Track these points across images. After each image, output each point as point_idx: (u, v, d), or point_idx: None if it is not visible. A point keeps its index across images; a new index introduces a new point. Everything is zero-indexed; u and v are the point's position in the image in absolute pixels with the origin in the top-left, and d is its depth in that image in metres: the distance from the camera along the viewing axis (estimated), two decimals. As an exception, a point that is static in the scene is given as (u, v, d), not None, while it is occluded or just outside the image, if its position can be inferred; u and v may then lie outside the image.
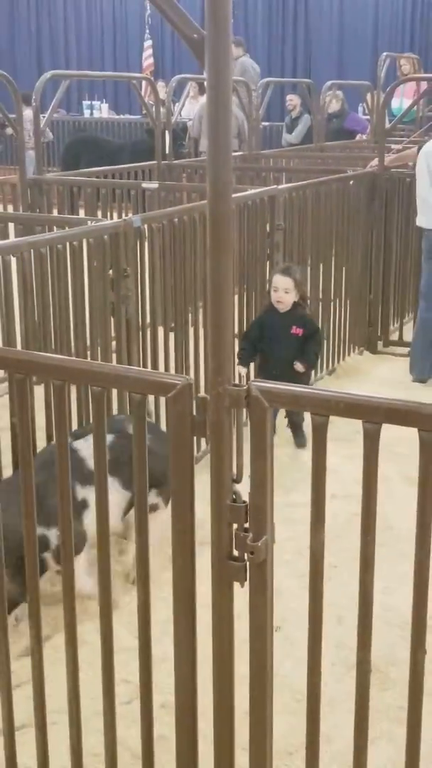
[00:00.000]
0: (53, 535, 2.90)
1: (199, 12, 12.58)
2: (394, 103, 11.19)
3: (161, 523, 3.08)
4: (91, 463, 2.59)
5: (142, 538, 2.09)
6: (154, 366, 4.54)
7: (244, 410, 1.88)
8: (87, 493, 3.13)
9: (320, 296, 5.91)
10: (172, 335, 4.67)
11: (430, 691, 2.08)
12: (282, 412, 4.83)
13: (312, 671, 1.94)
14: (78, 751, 2.27)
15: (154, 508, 3.16)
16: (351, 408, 1.81)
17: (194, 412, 1.95)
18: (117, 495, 3.12)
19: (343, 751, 2.63)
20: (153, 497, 3.21)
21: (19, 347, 3.86)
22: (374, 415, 1.78)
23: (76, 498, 3.07)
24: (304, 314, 4.84)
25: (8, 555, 2.34)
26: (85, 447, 3.22)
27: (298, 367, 4.66)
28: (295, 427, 4.93)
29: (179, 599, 2.04)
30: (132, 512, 2.89)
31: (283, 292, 4.62)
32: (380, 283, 6.69)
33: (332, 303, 6.10)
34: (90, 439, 2.74)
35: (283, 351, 4.70)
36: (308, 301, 5.08)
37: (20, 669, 2.84)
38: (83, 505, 3.21)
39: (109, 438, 2.91)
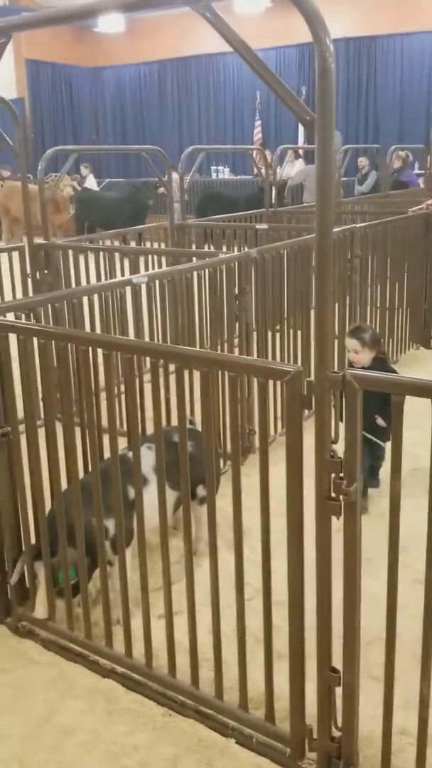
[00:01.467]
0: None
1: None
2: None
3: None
4: (144, 468, 2.49)
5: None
6: (265, 359, 4.50)
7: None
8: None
9: (387, 306, 5.79)
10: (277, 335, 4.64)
11: None
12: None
13: (391, 582, 1.90)
14: (217, 632, 2.29)
15: (204, 500, 2.73)
16: (422, 390, 1.76)
17: (303, 392, 1.93)
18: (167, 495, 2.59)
19: (411, 642, 2.58)
20: (201, 490, 2.87)
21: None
22: (440, 395, 1.73)
23: (127, 497, 2.58)
24: (383, 369, 3.60)
25: None
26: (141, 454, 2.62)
27: (380, 422, 3.60)
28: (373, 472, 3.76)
29: (292, 525, 2.01)
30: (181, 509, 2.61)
31: (353, 352, 3.59)
32: (433, 295, 6.49)
33: (397, 311, 5.96)
34: (144, 448, 2.65)
35: (365, 405, 3.89)
36: (385, 355, 3.94)
37: (175, 572, 2.88)
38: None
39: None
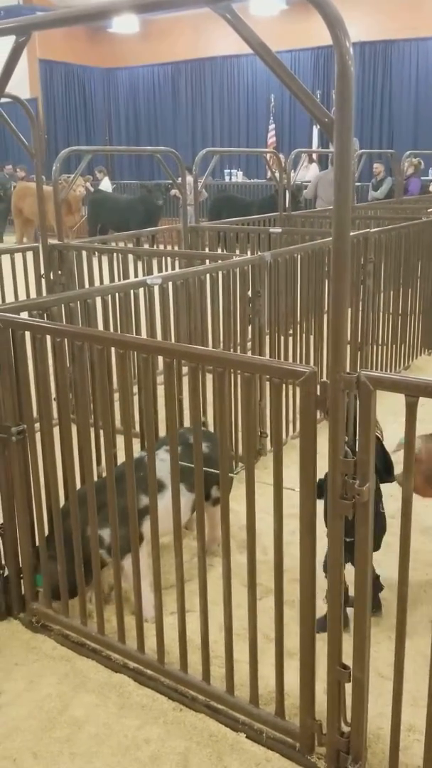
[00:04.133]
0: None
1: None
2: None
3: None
4: (161, 474, 2.49)
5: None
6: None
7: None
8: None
9: (399, 311, 5.83)
10: (290, 339, 4.69)
11: None
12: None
13: (401, 582, 1.94)
14: (228, 630, 2.33)
15: (217, 501, 2.62)
16: (435, 391, 1.80)
17: (318, 393, 1.98)
18: (183, 498, 2.62)
19: (420, 642, 2.62)
20: (215, 491, 2.84)
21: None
22: (453, 396, 1.78)
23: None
24: None
25: None
26: (157, 460, 2.52)
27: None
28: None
29: (305, 522, 2.06)
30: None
31: None
32: (446, 301, 6.51)
33: (409, 316, 5.99)
34: (161, 453, 2.65)
35: None
36: None
37: (187, 571, 2.93)
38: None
39: (178, 449, 2.82)
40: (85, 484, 2.76)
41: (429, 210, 6.70)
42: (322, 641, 2.09)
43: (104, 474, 2.87)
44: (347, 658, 2.04)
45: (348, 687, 2.05)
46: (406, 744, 2.21)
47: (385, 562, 2.89)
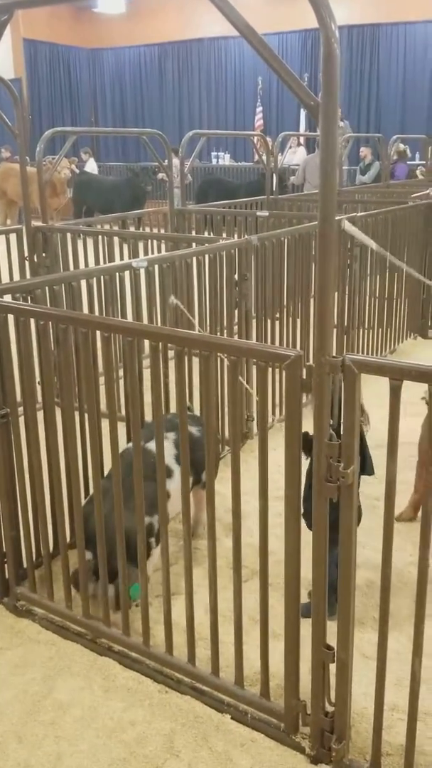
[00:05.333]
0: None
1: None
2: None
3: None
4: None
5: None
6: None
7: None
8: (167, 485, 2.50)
9: (386, 295, 5.84)
10: (276, 323, 4.69)
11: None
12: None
13: (385, 562, 1.95)
14: (214, 612, 2.35)
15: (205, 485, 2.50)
16: (421, 375, 1.81)
17: (303, 376, 1.98)
18: (174, 483, 2.62)
19: (402, 622, 2.65)
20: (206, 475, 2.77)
21: (170, 329, 3.93)
22: (438, 380, 1.78)
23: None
24: None
25: None
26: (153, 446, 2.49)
27: None
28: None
29: (289, 508, 2.07)
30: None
31: None
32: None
33: (395, 300, 6.01)
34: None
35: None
36: None
37: (173, 555, 2.94)
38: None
39: (173, 435, 2.83)
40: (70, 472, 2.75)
41: (413, 195, 6.69)
42: (306, 622, 2.11)
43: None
44: (332, 639, 2.06)
45: (332, 667, 2.07)
46: (390, 723, 2.24)
47: (370, 544, 2.91)
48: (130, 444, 2.79)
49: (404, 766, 2.03)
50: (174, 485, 2.62)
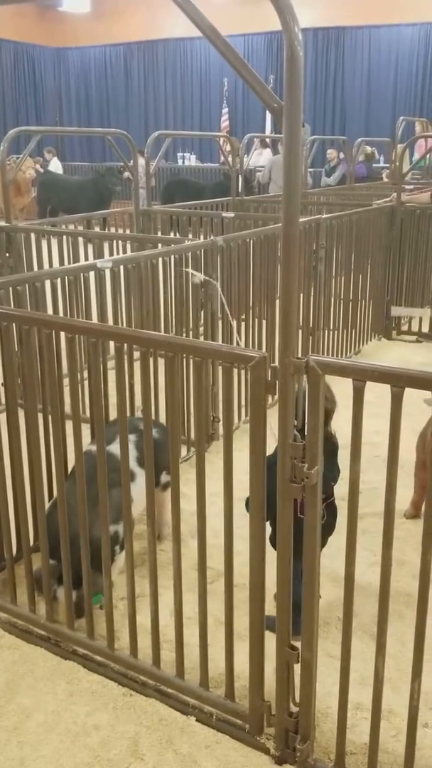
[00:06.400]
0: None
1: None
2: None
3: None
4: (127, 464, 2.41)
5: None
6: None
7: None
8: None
9: (350, 297, 5.90)
10: (242, 324, 4.70)
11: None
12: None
13: (349, 562, 1.97)
14: (179, 614, 2.34)
15: (168, 486, 2.56)
16: (383, 376, 1.82)
17: (268, 377, 1.99)
18: (137, 486, 2.61)
19: (367, 622, 2.67)
20: (165, 477, 2.83)
21: (135, 330, 3.91)
22: (399, 381, 1.80)
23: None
24: None
25: None
26: (119, 451, 2.46)
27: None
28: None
29: (255, 506, 2.07)
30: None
31: None
32: (395, 287, 6.62)
33: (359, 302, 6.07)
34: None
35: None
36: None
37: (138, 556, 2.92)
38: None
39: (133, 437, 2.79)
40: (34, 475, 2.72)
41: (379, 202, 6.78)
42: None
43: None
44: (296, 639, 2.07)
45: (297, 668, 2.08)
46: (354, 722, 2.25)
47: (335, 542, 2.93)
48: (91, 446, 2.76)
49: (368, 765, 2.04)
50: (136, 489, 2.60)
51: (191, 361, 2.21)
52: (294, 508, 2.02)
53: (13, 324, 2.61)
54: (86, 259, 5.65)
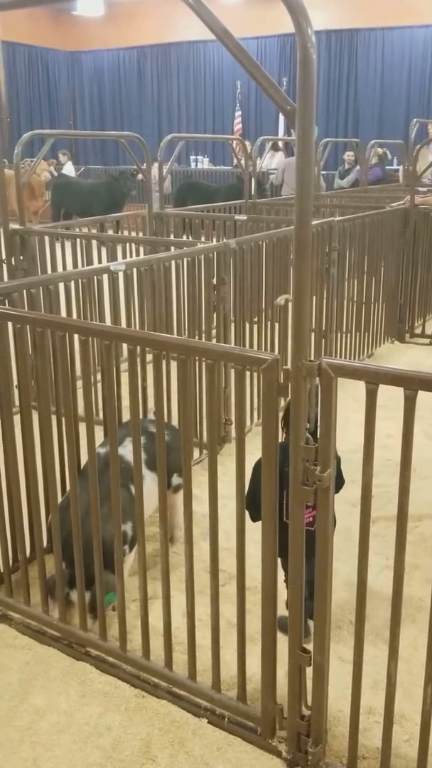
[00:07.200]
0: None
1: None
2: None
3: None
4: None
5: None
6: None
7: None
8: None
9: (363, 300, 5.88)
10: (254, 327, 4.69)
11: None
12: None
13: (361, 566, 1.96)
14: (191, 616, 2.34)
15: (179, 488, 2.63)
16: (395, 379, 1.82)
17: (280, 380, 1.99)
18: (154, 484, 2.58)
19: (379, 626, 2.66)
20: (176, 479, 2.87)
21: (148, 333, 3.92)
22: (412, 384, 1.79)
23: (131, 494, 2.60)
24: None
25: None
26: (127, 453, 2.70)
27: None
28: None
29: (266, 512, 2.07)
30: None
31: None
32: (408, 290, 6.59)
33: (372, 305, 6.05)
34: (128, 444, 2.65)
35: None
36: None
37: (150, 559, 2.93)
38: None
39: (142, 440, 2.82)
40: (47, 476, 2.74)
41: (393, 205, 6.76)
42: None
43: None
44: (308, 642, 2.06)
45: (309, 671, 2.08)
46: (366, 726, 2.25)
47: (346, 549, 2.93)
48: (102, 449, 2.77)
49: (380, 769, 2.04)
50: (145, 490, 2.60)
51: (203, 363, 2.21)
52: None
53: (27, 326, 2.63)
54: (99, 262, 5.67)
